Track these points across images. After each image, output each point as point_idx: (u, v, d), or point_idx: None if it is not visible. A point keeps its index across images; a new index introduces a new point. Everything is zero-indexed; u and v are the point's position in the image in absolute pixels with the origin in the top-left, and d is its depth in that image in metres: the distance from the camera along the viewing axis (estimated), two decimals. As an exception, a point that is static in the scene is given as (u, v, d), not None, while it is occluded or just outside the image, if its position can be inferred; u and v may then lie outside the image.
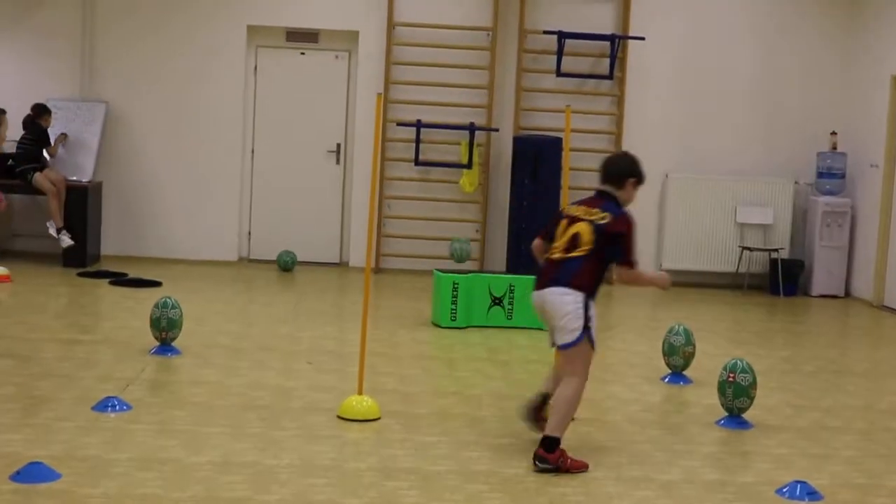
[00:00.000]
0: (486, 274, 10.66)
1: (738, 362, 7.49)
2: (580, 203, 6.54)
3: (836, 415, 7.95)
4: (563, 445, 6.32)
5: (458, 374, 8.58)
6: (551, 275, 6.40)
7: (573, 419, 6.55)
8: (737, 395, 7.42)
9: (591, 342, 6.36)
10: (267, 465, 6.17)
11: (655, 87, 13.50)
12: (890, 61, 12.84)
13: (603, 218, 6.37)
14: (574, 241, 6.37)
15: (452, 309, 10.11)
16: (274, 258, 13.31)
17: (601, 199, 6.49)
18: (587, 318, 6.31)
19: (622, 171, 6.55)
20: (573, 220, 6.44)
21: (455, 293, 10.12)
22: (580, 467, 6.32)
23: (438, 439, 6.81)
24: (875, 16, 13.20)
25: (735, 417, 7.47)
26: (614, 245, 6.35)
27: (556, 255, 6.42)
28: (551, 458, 6.27)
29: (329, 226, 13.65)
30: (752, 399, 7.48)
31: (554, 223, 6.58)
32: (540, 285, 6.46)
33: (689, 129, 13.59)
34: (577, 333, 6.29)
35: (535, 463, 6.30)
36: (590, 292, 6.35)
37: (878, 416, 8.00)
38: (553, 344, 6.53)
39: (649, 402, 8.09)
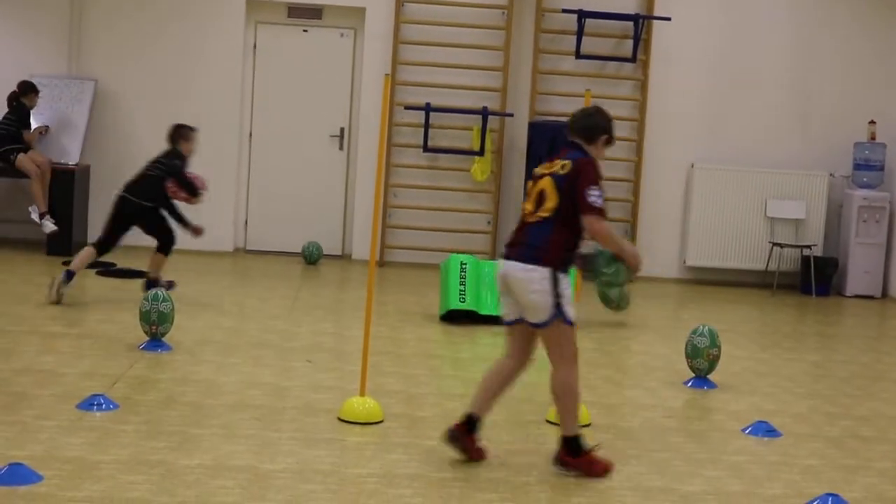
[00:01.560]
0: (496, 260, 10.65)
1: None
2: (550, 159, 6.35)
3: (870, 423, 7.94)
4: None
5: (466, 375, 8.58)
6: (517, 243, 6.22)
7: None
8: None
9: (566, 318, 6.16)
10: (262, 469, 6.18)
11: (681, 72, 13.48)
12: (933, 46, 12.82)
13: (563, 167, 6.16)
14: (540, 199, 6.20)
15: (461, 290, 10.10)
16: (270, 249, 13.32)
17: (567, 149, 6.30)
18: (557, 295, 6.10)
19: (597, 126, 6.32)
20: (539, 177, 6.28)
21: (463, 274, 10.14)
22: (607, 469, 6.31)
23: (444, 445, 6.81)
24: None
25: (762, 423, 7.48)
26: (574, 190, 6.09)
27: (527, 218, 6.24)
28: (575, 462, 6.26)
29: (331, 215, 13.67)
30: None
31: (531, 185, 6.38)
32: (505, 253, 6.27)
33: (716, 117, 13.57)
34: (547, 312, 6.12)
35: (557, 468, 6.29)
36: (558, 265, 6.12)
37: (915, 426, 7.99)
38: (507, 318, 6.34)
39: (670, 408, 8.09)
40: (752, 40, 13.55)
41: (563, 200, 6.12)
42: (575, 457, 6.31)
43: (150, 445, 6.41)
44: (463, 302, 10.11)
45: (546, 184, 6.19)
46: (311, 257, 13.09)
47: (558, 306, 6.13)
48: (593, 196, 6.09)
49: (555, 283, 6.11)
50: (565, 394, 6.30)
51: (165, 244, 10.62)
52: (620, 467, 6.59)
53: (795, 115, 13.64)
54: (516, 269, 6.17)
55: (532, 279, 6.11)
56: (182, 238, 13.25)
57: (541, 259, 6.11)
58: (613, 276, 10.38)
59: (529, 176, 12.49)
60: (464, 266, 10.19)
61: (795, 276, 13.42)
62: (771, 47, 13.57)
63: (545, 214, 6.16)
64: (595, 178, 6.14)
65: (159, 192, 10.41)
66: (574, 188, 6.10)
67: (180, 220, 10.62)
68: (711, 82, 13.55)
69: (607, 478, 6.31)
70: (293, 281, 12.19)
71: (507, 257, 6.27)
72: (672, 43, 13.42)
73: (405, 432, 7.00)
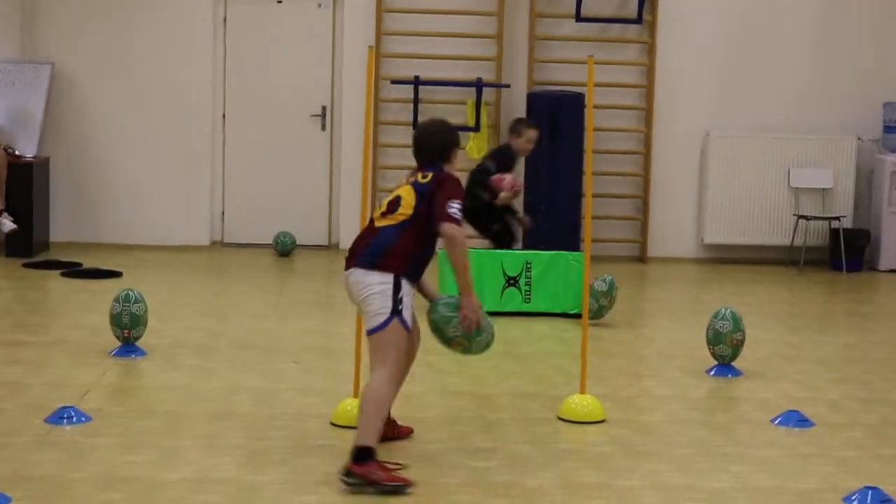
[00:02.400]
0: (498, 251, 10.66)
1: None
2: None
3: (910, 409, 7.98)
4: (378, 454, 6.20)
5: (469, 371, 8.59)
6: (360, 249, 6.42)
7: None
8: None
9: (405, 325, 6.33)
10: (249, 481, 6.19)
11: (692, 32, 13.46)
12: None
13: (425, 177, 6.44)
14: (394, 205, 6.43)
15: None
16: (250, 241, 13.32)
17: (424, 167, 6.54)
18: (396, 301, 6.28)
19: (446, 143, 6.60)
20: (397, 187, 6.57)
21: None
22: (399, 482, 6.13)
23: (448, 447, 6.83)
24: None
25: (793, 413, 7.49)
26: (433, 200, 6.35)
27: (376, 222, 6.48)
28: (360, 471, 6.07)
29: (315, 202, 13.66)
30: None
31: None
32: (347, 262, 6.45)
33: (732, 81, 13.55)
34: (384, 316, 6.27)
35: (342, 479, 6.09)
36: (402, 272, 6.32)
37: (959, 410, 8.01)
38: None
39: (692, 399, 8.10)
40: (768, -5, 13.55)
41: (418, 208, 6.37)
42: (360, 464, 6.09)
43: (127, 460, 6.41)
44: None
45: (405, 191, 6.44)
46: (284, 248, 13.07)
47: (397, 312, 6.30)
48: (454, 208, 6.34)
49: (397, 288, 6.30)
50: (377, 403, 6.24)
51: (497, 243, 10.77)
52: (639, 465, 6.60)
53: (819, 75, 13.62)
54: (356, 274, 6.36)
55: (371, 283, 6.30)
56: (154, 233, 13.29)
57: (382, 266, 6.32)
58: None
59: (529, 155, 12.51)
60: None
61: (824, 250, 13.42)
62: (792, 1, 13.54)
63: (393, 221, 6.40)
64: (458, 194, 6.42)
65: (469, 189, 10.25)
66: (434, 197, 6.36)
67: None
68: (725, 42, 13.53)
69: (405, 493, 6.06)
70: (276, 275, 12.19)
71: (349, 265, 6.42)
72: (681, 1, 13.40)
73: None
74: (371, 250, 6.36)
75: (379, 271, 6.30)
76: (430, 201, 6.36)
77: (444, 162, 6.57)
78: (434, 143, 6.61)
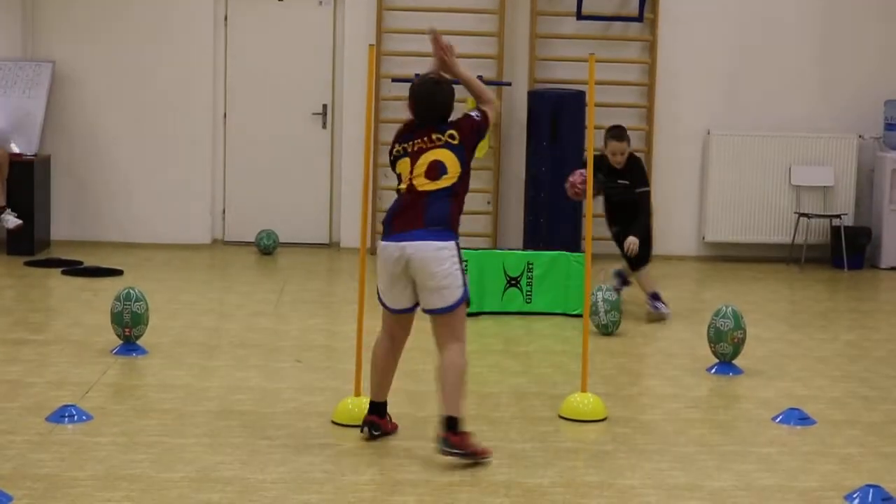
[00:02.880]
0: (499, 251, 10.66)
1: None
2: (409, 138, 6.61)
3: (912, 407, 7.98)
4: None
5: (470, 370, 8.57)
6: (416, 219, 6.46)
7: None
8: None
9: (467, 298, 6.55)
10: (251, 480, 6.18)
11: (694, 29, 13.45)
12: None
13: (452, 137, 6.55)
14: (437, 170, 6.50)
15: None
16: (252, 239, 13.31)
17: (433, 128, 6.62)
18: (463, 271, 6.51)
19: (452, 98, 6.74)
20: (417, 152, 6.55)
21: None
22: (487, 454, 6.47)
23: (449, 446, 6.83)
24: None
25: (794, 411, 7.49)
26: (470, 133, 6.60)
27: (419, 186, 6.49)
28: (457, 440, 6.39)
29: (316, 201, 13.66)
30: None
31: (398, 164, 6.66)
32: (398, 234, 6.47)
33: (733, 79, 13.55)
34: (462, 289, 6.44)
35: (443, 449, 6.39)
36: (457, 236, 6.52)
37: (961, 408, 8.01)
38: (398, 308, 6.62)
39: (693, 398, 8.10)
40: (769, -7, 13.54)
41: (464, 168, 6.54)
42: (456, 433, 6.43)
43: (128, 459, 6.41)
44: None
45: (443, 154, 6.52)
46: (267, 247, 13.04)
47: (465, 284, 6.51)
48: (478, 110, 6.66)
49: (460, 257, 6.48)
50: (464, 374, 6.56)
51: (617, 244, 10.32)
52: (640, 463, 6.60)
53: (820, 73, 13.61)
54: (427, 247, 6.40)
55: (442, 257, 6.39)
56: (155, 231, 13.29)
57: (448, 232, 6.44)
58: None
59: (530, 153, 12.52)
60: (464, 263, 10.15)
61: (825, 248, 13.42)
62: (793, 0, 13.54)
63: (447, 183, 6.50)
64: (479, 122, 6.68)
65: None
66: (468, 131, 6.59)
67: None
68: (727, 40, 13.52)
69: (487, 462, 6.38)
70: (277, 274, 12.19)
71: (408, 237, 6.44)
72: (682, -1, 13.41)
73: (406, 434, 7.01)
74: (432, 218, 6.43)
75: (446, 241, 6.40)
76: (470, 145, 6.56)
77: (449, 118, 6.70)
78: (445, 101, 6.69)
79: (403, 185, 6.60)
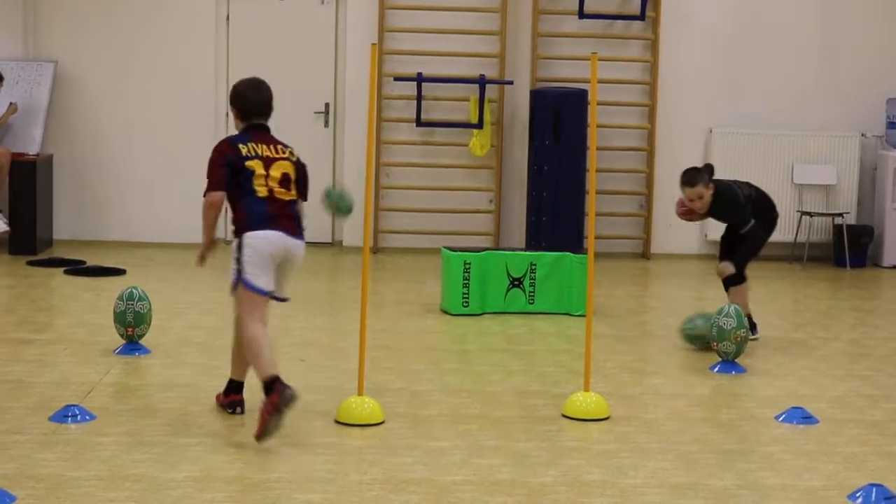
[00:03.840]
0: (502, 251, 10.66)
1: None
2: (253, 140, 7.24)
3: (915, 405, 7.97)
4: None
5: (473, 369, 8.60)
6: (290, 219, 7.04)
7: None
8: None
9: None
10: (254, 479, 6.19)
11: (696, 28, 13.45)
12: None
13: (292, 153, 7.29)
14: (288, 182, 7.11)
15: (464, 294, 10.12)
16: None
17: (268, 134, 7.34)
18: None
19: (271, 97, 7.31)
20: (269, 160, 7.15)
21: (467, 274, 10.13)
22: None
23: (452, 444, 6.83)
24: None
25: (797, 409, 7.49)
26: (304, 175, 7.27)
27: (281, 195, 7.06)
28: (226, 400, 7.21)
29: (317, 199, 13.62)
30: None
31: (236, 167, 7.15)
32: (283, 228, 6.98)
33: (736, 77, 13.54)
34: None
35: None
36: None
37: (964, 406, 8.01)
38: (273, 294, 7.13)
39: (696, 396, 8.10)
40: (771, -9, 13.53)
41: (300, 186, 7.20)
42: (232, 395, 7.18)
43: (132, 458, 6.42)
44: (466, 307, 10.13)
45: (289, 168, 7.19)
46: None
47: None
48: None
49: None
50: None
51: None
52: (643, 462, 6.61)
53: (823, 71, 13.60)
54: (299, 245, 7.05)
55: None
56: (157, 231, 13.29)
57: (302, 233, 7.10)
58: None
59: (532, 152, 12.51)
60: (467, 266, 10.16)
61: (827, 247, 13.42)
62: (792, -2, 13.55)
63: (294, 196, 7.13)
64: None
65: None
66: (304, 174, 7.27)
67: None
68: (729, 38, 13.51)
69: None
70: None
71: (290, 233, 7.01)
72: (684, -3, 13.41)
73: (409, 433, 7.01)
74: (297, 219, 7.08)
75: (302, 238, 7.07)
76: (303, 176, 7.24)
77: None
78: (269, 94, 7.38)
79: (263, 191, 7.04)
